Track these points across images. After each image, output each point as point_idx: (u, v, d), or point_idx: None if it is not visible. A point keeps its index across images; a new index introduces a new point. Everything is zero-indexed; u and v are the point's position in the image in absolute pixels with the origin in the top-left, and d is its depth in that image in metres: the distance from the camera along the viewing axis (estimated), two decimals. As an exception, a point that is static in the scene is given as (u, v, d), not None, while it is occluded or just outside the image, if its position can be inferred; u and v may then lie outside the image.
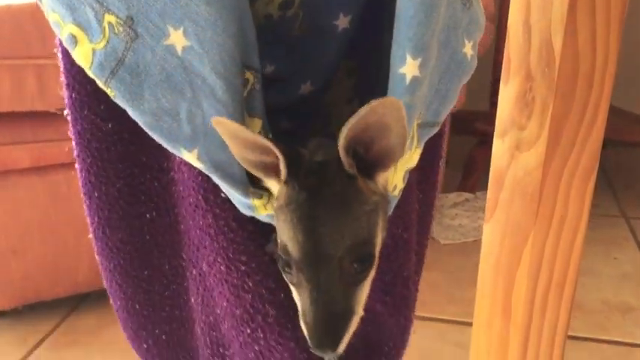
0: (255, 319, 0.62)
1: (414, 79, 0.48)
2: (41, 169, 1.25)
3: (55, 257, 1.34)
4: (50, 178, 1.27)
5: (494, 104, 2.19)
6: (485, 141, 2.11)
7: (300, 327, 0.63)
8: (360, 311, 0.49)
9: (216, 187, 0.55)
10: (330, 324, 0.47)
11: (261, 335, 0.63)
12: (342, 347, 0.48)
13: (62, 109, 0.61)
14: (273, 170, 0.49)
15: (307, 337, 0.48)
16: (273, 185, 0.51)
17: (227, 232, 0.58)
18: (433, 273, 1.66)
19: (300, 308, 0.49)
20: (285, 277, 0.50)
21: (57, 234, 1.32)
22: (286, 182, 0.49)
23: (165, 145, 0.50)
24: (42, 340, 1.35)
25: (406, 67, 0.48)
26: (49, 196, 1.28)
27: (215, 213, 0.58)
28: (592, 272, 1.67)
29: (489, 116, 2.05)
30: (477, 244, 1.83)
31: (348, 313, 0.48)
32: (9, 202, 1.25)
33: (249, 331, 0.63)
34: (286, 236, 0.48)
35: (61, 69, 0.57)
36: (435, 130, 0.55)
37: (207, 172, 0.51)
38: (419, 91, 0.49)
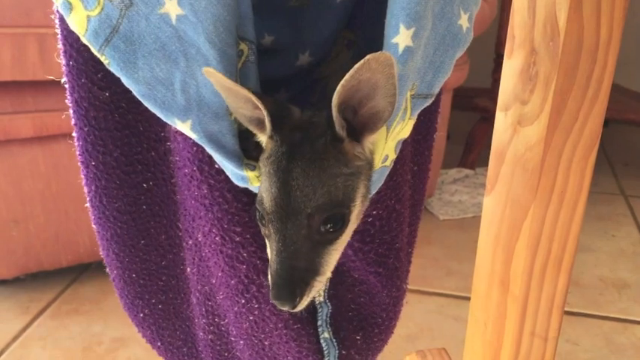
0: (250, 289, 0.63)
1: (407, 49, 0.48)
2: (43, 139, 1.25)
3: (57, 227, 1.35)
4: (52, 148, 1.27)
5: (496, 81, 2.18)
6: (487, 117, 2.11)
7: None
8: (325, 273, 0.50)
9: (211, 157, 0.56)
10: (289, 277, 0.47)
11: (256, 305, 0.64)
12: (301, 304, 0.48)
13: (61, 88, 0.60)
14: (264, 125, 0.50)
15: (270, 288, 0.49)
16: (264, 140, 0.51)
17: (222, 202, 0.59)
18: (432, 248, 1.67)
19: (269, 260, 0.50)
20: (261, 229, 0.51)
21: (58, 204, 1.33)
22: (271, 136, 0.49)
23: (159, 114, 0.50)
24: (44, 309, 1.37)
25: (399, 37, 0.48)
26: (50, 167, 1.28)
27: (210, 184, 0.58)
28: (589, 249, 1.68)
29: (491, 93, 2.05)
30: (476, 220, 1.85)
31: (311, 271, 0.48)
32: (11, 172, 1.26)
33: (243, 301, 0.64)
34: (263, 188, 0.49)
35: (59, 36, 0.57)
36: (429, 101, 0.55)
37: (200, 143, 0.51)
38: (412, 61, 0.49)
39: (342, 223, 0.48)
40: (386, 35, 0.49)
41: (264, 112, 0.47)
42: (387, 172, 0.56)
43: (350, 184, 0.48)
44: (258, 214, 0.50)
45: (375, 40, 0.60)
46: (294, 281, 0.47)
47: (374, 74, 0.43)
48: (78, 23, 0.47)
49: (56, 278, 1.47)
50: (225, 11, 0.47)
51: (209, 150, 0.52)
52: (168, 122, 0.50)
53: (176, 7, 0.46)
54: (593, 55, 0.54)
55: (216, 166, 0.57)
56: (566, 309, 0.65)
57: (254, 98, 0.46)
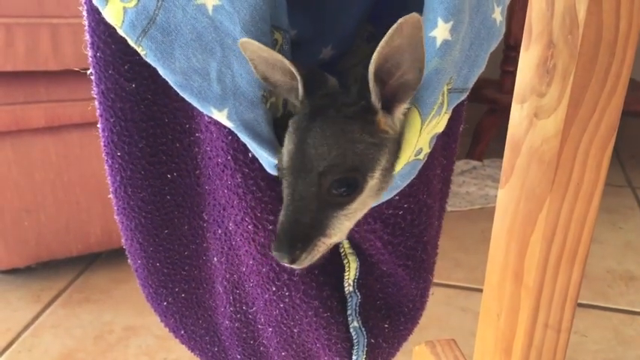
0: (281, 277, 0.63)
1: (445, 43, 0.48)
2: (55, 129, 1.25)
3: (68, 217, 1.36)
4: (63, 138, 1.27)
5: (504, 72, 2.18)
6: (495, 109, 2.11)
7: (325, 286, 0.64)
8: (331, 236, 0.49)
9: (246, 146, 0.56)
10: (293, 230, 0.47)
11: (287, 293, 0.64)
12: (300, 260, 0.48)
13: (84, 69, 0.60)
14: (296, 92, 0.50)
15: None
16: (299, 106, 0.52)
17: (255, 191, 0.59)
18: (440, 239, 1.67)
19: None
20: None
21: (69, 194, 1.33)
22: (302, 102, 0.50)
23: (195, 104, 0.50)
24: (55, 297, 1.38)
25: (437, 31, 0.47)
26: (62, 157, 1.29)
27: (244, 173, 0.58)
28: (597, 241, 1.68)
29: (500, 84, 2.04)
30: (483, 211, 1.85)
31: (315, 230, 0.48)
32: (22, 162, 1.26)
33: (274, 288, 0.64)
34: (284, 146, 0.49)
35: (86, 28, 0.56)
36: (464, 95, 0.54)
37: (236, 131, 0.52)
38: (449, 55, 0.48)
39: (354, 189, 0.48)
40: (423, 29, 0.49)
41: (298, 77, 0.48)
42: (420, 166, 0.55)
43: (371, 153, 0.48)
44: (279, 172, 0.51)
45: None
46: (297, 235, 0.47)
47: (403, 40, 0.43)
48: (114, 15, 0.47)
49: (67, 267, 1.48)
50: (261, 0, 0.47)
51: (244, 138, 0.52)
52: (205, 111, 0.51)
53: None
54: (611, 48, 0.55)
55: (251, 155, 0.57)
56: (575, 300, 0.65)
57: (288, 63, 0.47)
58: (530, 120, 0.61)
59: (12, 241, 1.33)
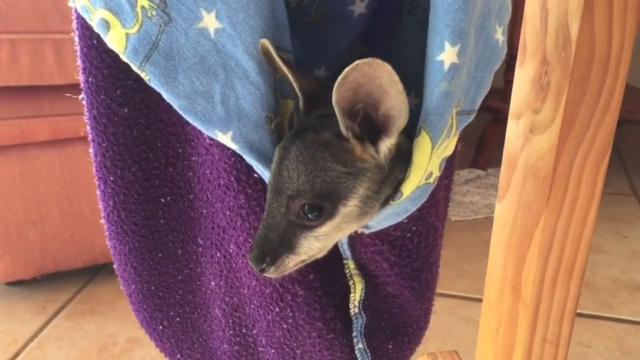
0: (285, 298, 0.64)
1: (453, 66, 0.48)
2: (59, 142, 1.27)
3: (73, 229, 1.37)
4: (68, 151, 1.29)
5: (508, 82, 2.17)
6: (499, 118, 2.11)
7: (329, 307, 0.64)
8: (299, 254, 0.51)
9: (249, 168, 0.56)
10: (262, 244, 0.50)
11: (290, 314, 0.64)
12: (269, 271, 0.51)
13: (77, 93, 0.60)
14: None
15: None
16: None
17: (259, 212, 0.59)
18: (444, 249, 1.66)
19: None
20: None
21: (74, 206, 1.35)
22: (299, 118, 0.52)
23: (200, 127, 0.50)
24: (60, 309, 1.39)
25: (444, 55, 0.47)
26: (67, 169, 1.30)
27: (247, 193, 0.59)
28: (601, 250, 1.68)
29: (503, 93, 2.04)
30: (487, 220, 1.85)
31: (283, 247, 0.50)
32: (28, 175, 1.28)
33: (277, 309, 0.64)
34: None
35: (78, 53, 0.57)
36: (472, 117, 0.54)
37: (241, 153, 0.52)
38: (457, 78, 0.48)
39: (319, 214, 0.49)
40: (429, 53, 0.49)
41: (299, 94, 0.50)
42: (431, 190, 0.55)
43: (344, 182, 0.48)
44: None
45: (389, 54, 0.60)
46: (265, 249, 0.50)
47: (374, 79, 0.43)
48: (117, 42, 0.47)
49: (72, 279, 1.49)
50: (262, 23, 0.48)
51: (250, 160, 0.53)
52: (210, 134, 0.51)
53: (214, 21, 0.47)
54: (604, 65, 0.55)
55: (255, 175, 0.58)
56: (577, 311, 0.65)
57: (292, 79, 0.48)
58: (526, 136, 0.61)
59: (17, 252, 1.34)
